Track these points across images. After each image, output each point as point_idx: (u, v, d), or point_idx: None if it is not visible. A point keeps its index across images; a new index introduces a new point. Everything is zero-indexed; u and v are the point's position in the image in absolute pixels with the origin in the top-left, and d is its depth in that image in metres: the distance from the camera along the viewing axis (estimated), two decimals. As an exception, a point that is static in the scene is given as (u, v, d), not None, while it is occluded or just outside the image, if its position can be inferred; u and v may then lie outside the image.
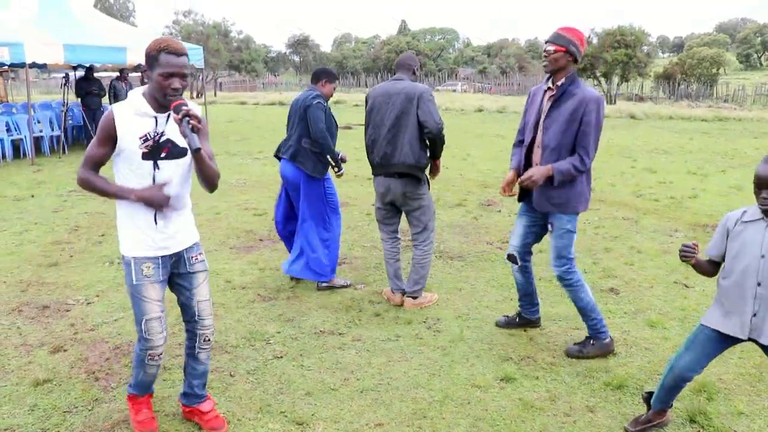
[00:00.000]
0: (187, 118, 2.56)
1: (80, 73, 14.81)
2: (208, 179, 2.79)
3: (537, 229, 4.15)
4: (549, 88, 3.90)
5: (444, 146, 4.64)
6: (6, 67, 16.26)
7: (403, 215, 4.85)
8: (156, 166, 2.70)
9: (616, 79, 39.92)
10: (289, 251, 5.32)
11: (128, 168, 2.69)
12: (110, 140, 2.64)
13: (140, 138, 2.65)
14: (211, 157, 2.79)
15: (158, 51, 2.57)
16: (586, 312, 4.01)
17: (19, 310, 4.68)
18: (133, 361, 2.99)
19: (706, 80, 59.74)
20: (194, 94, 34.66)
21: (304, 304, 4.82)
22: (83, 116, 13.89)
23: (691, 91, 58.55)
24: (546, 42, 3.82)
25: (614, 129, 20.05)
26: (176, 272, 2.92)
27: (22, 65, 12.24)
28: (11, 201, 8.54)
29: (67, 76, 13.95)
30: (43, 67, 14.09)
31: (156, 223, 2.76)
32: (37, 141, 12.97)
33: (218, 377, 3.63)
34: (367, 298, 4.96)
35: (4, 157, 12.27)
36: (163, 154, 2.71)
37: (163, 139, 2.70)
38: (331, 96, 5.05)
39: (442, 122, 4.51)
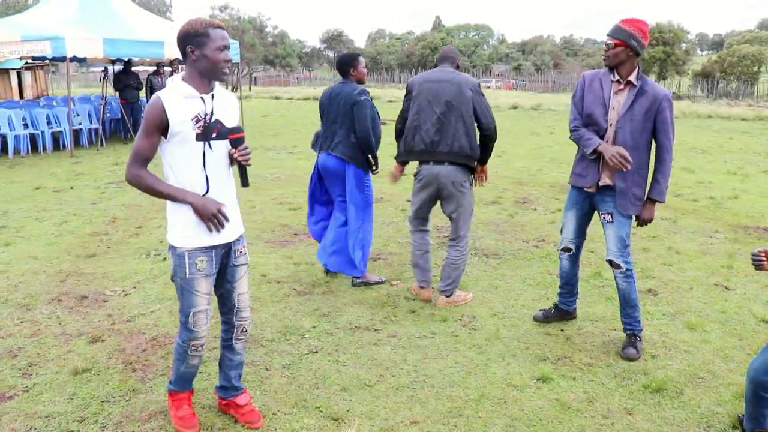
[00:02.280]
0: (245, 156, 2.73)
1: (119, 66, 15.03)
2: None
3: (588, 218, 4.18)
4: (617, 80, 3.82)
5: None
6: (47, 60, 16.63)
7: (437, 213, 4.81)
8: (209, 146, 2.71)
9: (653, 77, 39.23)
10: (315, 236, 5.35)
11: (180, 151, 2.67)
12: (160, 128, 2.62)
13: (192, 119, 2.66)
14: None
15: (207, 27, 2.62)
16: (634, 304, 4.00)
17: (59, 299, 4.76)
18: (174, 354, 2.99)
19: (747, 78, 58.20)
20: (229, 89, 35.02)
21: (340, 299, 4.81)
22: (121, 109, 14.13)
23: (730, 89, 57.08)
24: (607, 35, 3.77)
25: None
26: (223, 262, 2.91)
27: (63, 59, 12.49)
28: (51, 192, 8.71)
29: (106, 70, 14.22)
30: (83, 60, 14.32)
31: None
32: (77, 133, 13.22)
33: (254, 371, 3.64)
34: (403, 294, 4.93)
35: (44, 149, 12.53)
36: (213, 135, 2.72)
37: (213, 119, 2.71)
38: (365, 75, 5.06)
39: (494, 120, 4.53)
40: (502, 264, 5.71)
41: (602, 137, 3.88)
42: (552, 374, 3.65)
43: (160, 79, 14.15)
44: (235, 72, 29.02)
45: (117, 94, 14.26)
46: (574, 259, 4.30)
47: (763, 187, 9.81)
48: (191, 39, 2.62)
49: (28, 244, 6.21)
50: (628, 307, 4.01)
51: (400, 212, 7.62)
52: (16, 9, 37.47)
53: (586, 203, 4.10)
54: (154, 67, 14.60)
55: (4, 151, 12.14)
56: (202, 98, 2.69)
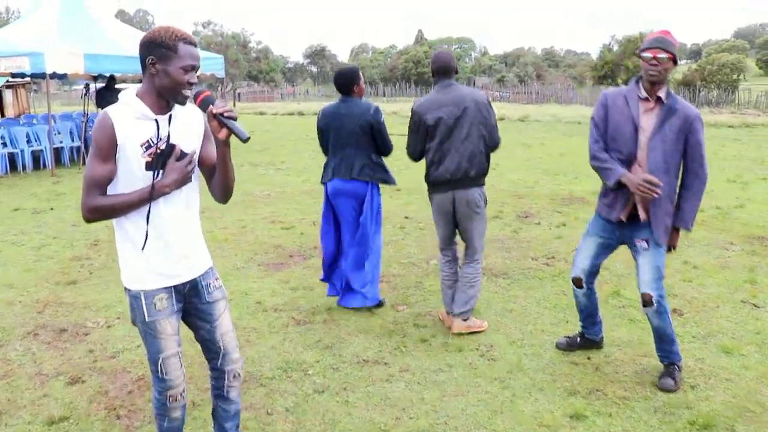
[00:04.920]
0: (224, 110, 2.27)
1: (101, 83, 14.60)
2: (228, 184, 2.48)
3: (610, 249, 3.81)
4: (645, 98, 3.49)
5: None
6: (28, 78, 16.16)
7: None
8: (160, 176, 2.33)
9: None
10: (327, 280, 4.89)
11: (127, 181, 2.30)
12: (113, 151, 2.24)
13: (142, 145, 2.28)
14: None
15: (175, 40, 2.22)
16: (671, 339, 3.65)
17: (35, 333, 4.34)
18: (153, 409, 2.58)
19: (727, 86, 58.78)
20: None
21: (343, 328, 4.42)
22: (103, 127, 13.68)
23: (711, 97, 57.53)
24: (651, 48, 3.38)
25: (642, 137, 19.51)
26: (193, 304, 2.52)
27: (43, 75, 12.05)
28: (30, 214, 8.27)
29: (87, 86, 13.76)
30: (63, 77, 13.89)
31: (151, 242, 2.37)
32: (57, 152, 12.76)
33: (254, 416, 3.24)
34: (411, 320, 4.55)
35: (24, 168, 12.06)
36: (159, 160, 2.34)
37: (168, 144, 2.34)
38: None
39: None
40: (513, 284, 5.36)
41: (631, 161, 3.54)
42: (585, 410, 3.29)
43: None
44: (219, 88, 28.67)
45: (99, 111, 13.80)
46: (589, 292, 3.93)
47: (765, 194, 9.57)
48: (155, 49, 2.24)
49: (4, 271, 5.78)
50: (664, 343, 3.66)
51: (399, 230, 7.25)
52: (-5, 27, 36.93)
53: (615, 235, 3.72)
54: (139, 84, 14.19)
55: (-19, 171, 11.67)
56: (156, 121, 2.30)
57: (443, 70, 4.22)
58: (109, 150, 2.24)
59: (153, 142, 2.30)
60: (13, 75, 13.72)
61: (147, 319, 2.38)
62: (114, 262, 6.01)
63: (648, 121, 3.49)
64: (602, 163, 3.60)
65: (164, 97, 2.29)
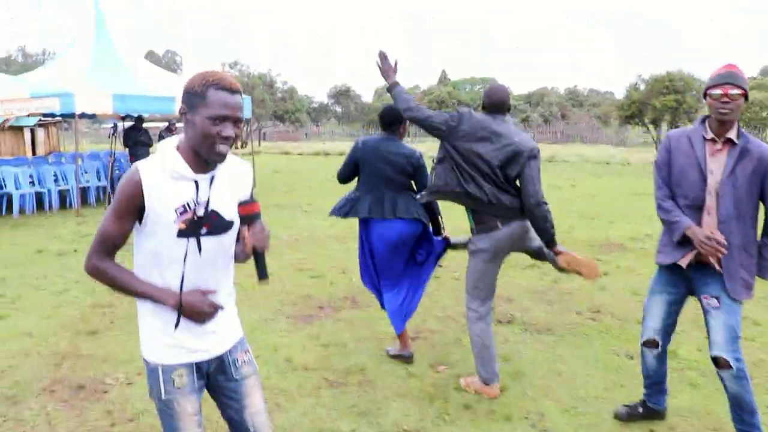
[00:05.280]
0: (261, 240, 2.09)
1: (129, 122, 14.65)
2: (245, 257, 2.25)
3: (680, 306, 3.48)
4: (712, 139, 3.20)
5: None
6: (58, 117, 16.32)
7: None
8: (198, 245, 2.05)
9: (665, 126, 38.82)
10: (383, 306, 4.64)
11: (155, 247, 2.04)
12: (134, 212, 1.99)
13: (176, 210, 2.00)
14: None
15: (205, 86, 1.93)
16: (752, 410, 3.25)
17: (51, 390, 4.08)
18: None
19: (756, 124, 58.17)
20: (239, 144, 34.84)
21: (379, 391, 4.09)
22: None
23: (741, 138, 56.85)
24: (719, 84, 3.11)
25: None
26: (219, 380, 2.22)
27: (72, 115, 12.09)
28: (54, 256, 8.11)
29: (115, 126, 13.80)
30: (92, 117, 13.96)
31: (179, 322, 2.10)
32: (84, 191, 12.72)
33: (285, 498, 2.92)
34: (452, 383, 4.20)
35: (51, 207, 12.01)
36: (204, 230, 2.06)
37: (207, 211, 2.06)
38: None
39: None
40: (559, 342, 4.99)
41: (700, 208, 3.23)
42: (656, 497, 2.92)
43: (172, 135, 13.73)
44: (245, 127, 28.91)
45: (127, 150, 13.80)
46: (663, 354, 3.59)
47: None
48: (185, 97, 1.98)
49: (24, 318, 5.56)
50: (743, 413, 3.26)
51: (432, 280, 6.92)
52: (32, 68, 37.85)
53: (682, 286, 3.41)
54: (166, 124, 14.21)
55: (9, 210, 11.62)
56: (195, 182, 2.02)
57: (499, 107, 3.92)
58: (128, 209, 1.98)
59: (189, 206, 2.01)
60: (45, 115, 13.85)
61: (164, 397, 2.09)
62: (136, 309, 5.76)
63: (716, 164, 3.20)
64: (667, 214, 3.34)
65: (197, 153, 2.01)
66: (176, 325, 2.07)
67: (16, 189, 11.52)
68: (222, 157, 1.98)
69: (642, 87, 36.55)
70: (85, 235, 9.54)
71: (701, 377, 4.33)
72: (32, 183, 12.10)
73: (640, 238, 9.28)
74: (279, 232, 9.54)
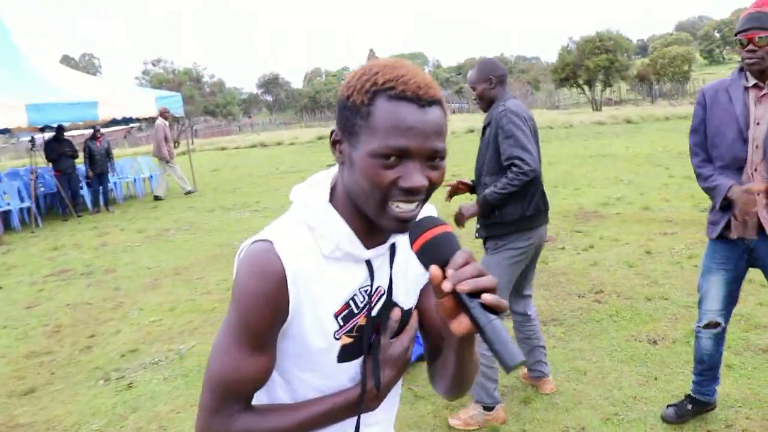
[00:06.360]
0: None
1: (49, 134, 13.40)
2: (462, 382, 1.23)
3: (741, 282, 3.02)
4: (755, 85, 2.72)
5: None
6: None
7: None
8: (376, 367, 1.20)
9: (599, 86, 39.26)
10: None
11: (307, 370, 1.21)
12: (275, 330, 1.14)
13: (336, 314, 1.17)
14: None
15: (373, 92, 1.06)
16: None
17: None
18: None
19: (680, 78, 60.12)
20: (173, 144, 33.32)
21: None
22: (56, 182, 12.42)
23: (665, 90, 58.73)
24: (746, 30, 2.65)
25: (619, 136, 19.04)
26: None
27: (-19, 133, 10.88)
28: (-24, 295, 7.11)
29: (33, 140, 12.53)
30: (5, 132, 12.70)
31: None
32: (6, 216, 11.50)
33: None
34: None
35: (-32, 237, 10.80)
36: (373, 339, 1.23)
37: (378, 306, 1.23)
38: None
39: None
40: (570, 333, 4.46)
41: (740, 169, 2.79)
42: None
43: (98, 144, 12.61)
44: (176, 126, 27.54)
45: (50, 164, 12.58)
46: (721, 336, 3.10)
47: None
48: (341, 115, 1.12)
49: (-56, 380, 4.67)
50: None
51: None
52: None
53: (742, 260, 2.92)
54: (91, 131, 13.06)
55: None
56: (368, 263, 1.20)
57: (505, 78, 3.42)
58: (269, 330, 1.13)
59: (357, 304, 1.19)
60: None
61: None
62: (81, 352, 4.94)
63: (762, 111, 2.74)
64: (705, 182, 2.93)
65: (364, 212, 1.14)
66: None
67: (-73, 221, 10.29)
68: (404, 225, 1.09)
69: (573, 48, 36.94)
70: (12, 267, 8.46)
71: (735, 356, 3.88)
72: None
73: (611, 203, 8.89)
74: (230, 239, 8.73)
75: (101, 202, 12.90)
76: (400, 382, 1.33)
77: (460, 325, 0.98)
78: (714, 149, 2.90)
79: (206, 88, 44.87)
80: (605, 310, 4.79)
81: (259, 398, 1.23)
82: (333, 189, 1.19)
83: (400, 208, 1.07)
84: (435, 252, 1.00)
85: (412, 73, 1.06)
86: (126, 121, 15.86)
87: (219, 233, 9.26)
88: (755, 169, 2.76)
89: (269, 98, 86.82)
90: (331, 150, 1.15)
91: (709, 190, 2.91)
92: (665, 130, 19.66)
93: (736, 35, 2.74)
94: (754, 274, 3.05)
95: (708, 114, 2.92)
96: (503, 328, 0.92)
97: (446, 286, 0.95)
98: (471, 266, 0.95)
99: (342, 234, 1.15)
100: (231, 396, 1.14)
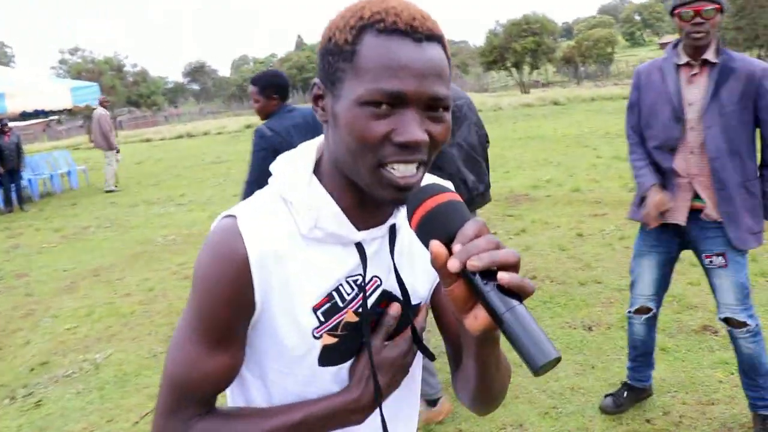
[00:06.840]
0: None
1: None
2: (489, 394, 1.01)
3: (673, 265, 2.97)
4: (686, 63, 2.63)
5: None
6: None
7: None
8: (373, 372, 1.00)
9: (527, 69, 39.93)
10: None
11: (287, 374, 1.01)
12: (237, 326, 0.95)
13: (315, 308, 0.96)
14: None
15: (359, 27, 0.86)
16: (765, 371, 2.77)
17: None
18: None
19: (604, 60, 61.99)
20: (89, 139, 31.94)
21: None
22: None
23: (590, 71, 60.56)
24: (689, 2, 2.54)
25: (547, 117, 19.36)
26: None
27: None
28: None
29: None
30: None
31: None
32: None
33: None
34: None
35: None
36: (369, 338, 1.02)
37: (374, 297, 1.01)
38: None
39: None
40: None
41: (673, 149, 2.74)
42: None
43: (6, 139, 11.82)
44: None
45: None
46: (653, 321, 3.05)
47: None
48: (323, 60, 0.92)
49: None
50: (757, 376, 2.79)
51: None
52: None
53: (674, 243, 2.88)
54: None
55: None
56: (359, 246, 0.98)
57: None
58: (230, 323, 0.94)
59: (344, 297, 0.98)
60: None
61: None
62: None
63: (695, 92, 2.68)
64: (634, 171, 2.90)
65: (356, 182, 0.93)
66: None
67: None
68: (403, 194, 0.89)
69: (500, 32, 37.42)
70: None
71: (669, 339, 3.87)
72: None
73: (541, 185, 8.93)
74: (153, 235, 8.31)
75: (14, 201, 12.13)
76: (419, 365, 1.13)
77: (476, 320, 0.78)
78: (648, 129, 2.84)
79: (129, 78, 43.22)
80: (539, 297, 4.72)
81: (235, 401, 1.07)
82: (320, 159, 0.99)
83: (397, 170, 0.87)
84: (438, 225, 0.79)
85: (404, 5, 0.88)
86: (42, 113, 15.00)
87: (141, 229, 8.81)
88: (691, 152, 2.69)
89: (196, 87, 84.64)
90: (313, 108, 0.95)
91: (635, 180, 2.88)
92: (591, 111, 20.10)
93: (674, 9, 2.63)
94: (684, 253, 3.00)
95: (642, 94, 2.85)
96: (528, 316, 0.73)
97: (453, 264, 0.74)
98: (484, 238, 0.75)
99: (325, 209, 0.94)
100: (188, 397, 0.96)
